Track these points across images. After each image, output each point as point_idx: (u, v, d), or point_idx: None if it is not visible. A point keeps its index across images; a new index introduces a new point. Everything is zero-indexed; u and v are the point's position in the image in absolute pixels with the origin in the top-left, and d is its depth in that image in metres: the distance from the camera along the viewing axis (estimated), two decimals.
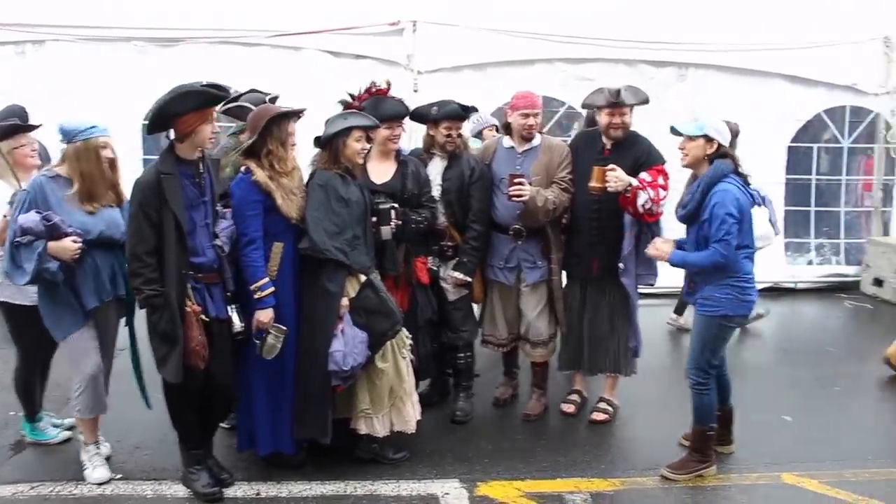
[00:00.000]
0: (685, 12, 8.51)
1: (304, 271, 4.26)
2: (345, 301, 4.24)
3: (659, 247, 4.46)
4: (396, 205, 4.62)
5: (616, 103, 4.89)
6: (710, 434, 4.53)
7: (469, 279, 5.02)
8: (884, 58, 8.94)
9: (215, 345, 4.02)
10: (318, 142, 4.39)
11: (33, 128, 4.71)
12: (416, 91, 7.70)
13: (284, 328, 4.16)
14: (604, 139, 5.00)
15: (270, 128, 4.10)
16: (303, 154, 4.49)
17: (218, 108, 4.28)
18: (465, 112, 5.03)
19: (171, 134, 3.94)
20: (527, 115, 5.00)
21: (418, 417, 4.56)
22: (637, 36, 8.35)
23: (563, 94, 8.34)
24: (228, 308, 4.13)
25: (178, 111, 3.82)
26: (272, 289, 4.13)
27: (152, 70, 7.50)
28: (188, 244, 3.91)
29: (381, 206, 4.55)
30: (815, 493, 4.40)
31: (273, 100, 4.75)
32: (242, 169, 4.15)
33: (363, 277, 4.32)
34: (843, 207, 9.42)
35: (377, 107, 4.67)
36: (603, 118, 4.98)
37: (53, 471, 4.44)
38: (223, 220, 4.14)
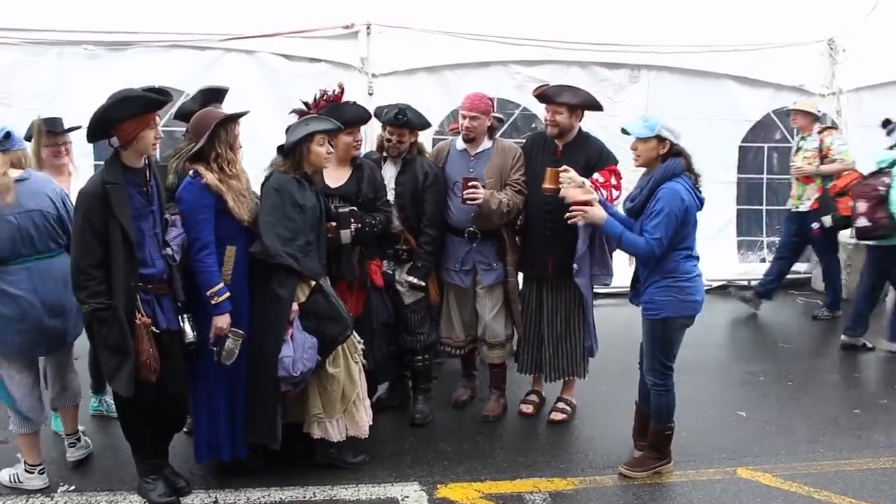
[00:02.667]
0: (638, 15, 8.61)
1: (255, 275, 4.21)
2: (294, 306, 4.21)
3: (590, 211, 4.40)
4: (355, 208, 4.60)
5: (542, 98, 4.99)
6: (669, 434, 4.59)
7: (423, 283, 5.02)
8: (829, 59, 9.14)
9: (167, 356, 3.94)
10: (282, 150, 4.34)
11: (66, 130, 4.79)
12: (370, 94, 7.67)
13: (242, 332, 4.12)
14: (556, 140, 5.04)
15: (218, 131, 4.05)
16: (248, 157, 4.43)
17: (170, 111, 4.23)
18: (404, 120, 4.89)
19: (114, 141, 3.83)
20: (464, 116, 5.04)
21: (371, 422, 4.55)
22: (590, 38, 8.42)
23: (518, 97, 8.36)
24: (180, 319, 4.06)
25: (118, 118, 3.73)
26: (228, 294, 4.07)
27: (103, 75, 7.34)
28: (137, 255, 3.82)
29: (341, 210, 4.53)
30: (768, 486, 4.48)
31: (223, 92, 4.77)
32: (191, 173, 4.06)
33: (313, 282, 4.29)
34: None
35: (336, 113, 4.62)
36: (544, 113, 5.08)
37: (1, 485, 4.33)
38: (173, 229, 4.06)
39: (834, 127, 7.83)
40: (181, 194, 4.08)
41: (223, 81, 5.28)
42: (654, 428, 4.59)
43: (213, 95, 4.77)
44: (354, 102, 4.91)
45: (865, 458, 4.84)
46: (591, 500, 4.33)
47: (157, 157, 4.89)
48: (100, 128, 3.78)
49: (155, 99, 3.84)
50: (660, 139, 4.30)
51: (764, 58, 8.89)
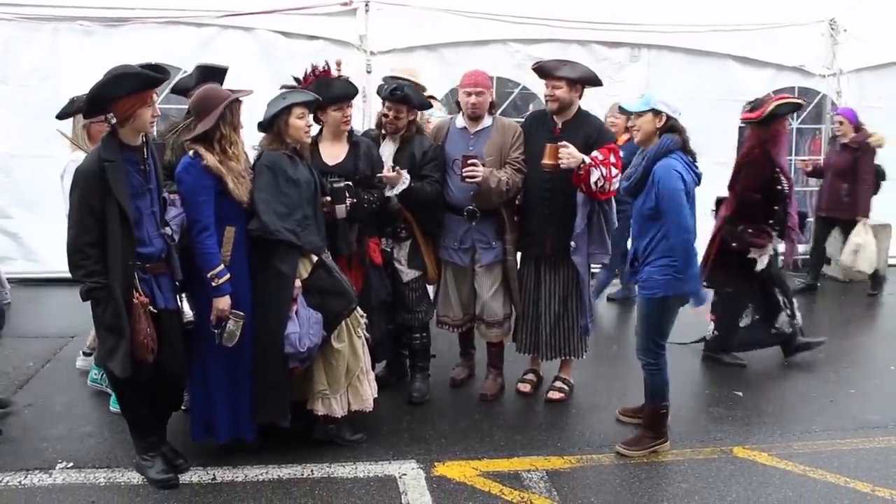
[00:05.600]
0: None
1: (256, 254, 4.20)
2: (298, 282, 4.20)
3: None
4: (350, 183, 4.58)
5: (539, 71, 4.95)
6: (664, 413, 4.60)
7: (405, 182, 4.84)
8: (829, 40, 9.10)
9: (165, 336, 3.92)
10: (262, 126, 4.31)
11: None
12: (369, 72, 7.64)
13: (242, 314, 4.10)
14: (555, 118, 5.02)
15: (225, 113, 3.99)
16: (245, 135, 4.40)
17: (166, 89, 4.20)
18: (401, 95, 4.85)
19: (111, 118, 3.80)
20: (469, 94, 4.99)
21: (375, 395, 4.56)
22: (590, 17, 8.37)
23: (517, 75, 8.32)
24: (178, 298, 4.05)
25: (115, 94, 3.67)
26: (228, 275, 4.05)
27: (98, 51, 7.29)
28: (134, 234, 3.78)
29: (336, 185, 4.51)
30: (764, 465, 4.50)
31: (223, 71, 4.72)
32: (190, 154, 4.02)
33: (315, 258, 4.28)
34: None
35: (325, 88, 4.60)
36: (543, 90, 5.06)
37: (1, 461, 4.33)
38: (172, 208, 4.02)
39: None
40: (180, 175, 4.04)
41: (220, 59, 5.24)
42: (648, 407, 4.60)
43: (211, 74, 4.72)
44: (345, 78, 4.83)
45: (860, 438, 4.87)
46: (588, 478, 4.34)
47: (154, 134, 4.87)
48: (96, 104, 3.74)
49: (152, 76, 3.77)
50: (655, 113, 4.31)
51: (765, 38, 8.86)
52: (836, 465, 4.50)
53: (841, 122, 7.91)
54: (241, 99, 4.11)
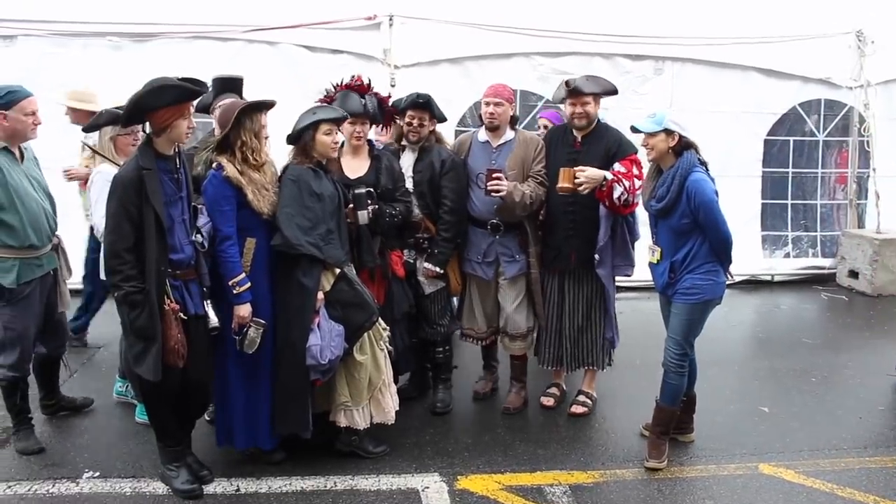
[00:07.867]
0: (662, 6, 8.55)
1: (279, 267, 4.25)
2: (320, 295, 4.24)
3: None
4: (371, 189, 4.62)
5: (574, 92, 4.93)
6: (677, 413, 4.69)
7: (440, 270, 5.03)
8: (857, 51, 9.02)
9: (192, 342, 3.98)
10: (290, 138, 4.37)
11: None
12: (393, 86, 7.68)
13: (263, 322, 4.16)
14: (574, 132, 5.02)
15: (242, 119, 4.08)
16: (276, 150, 4.46)
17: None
18: (426, 103, 4.97)
19: (148, 128, 3.89)
20: (488, 104, 5.02)
21: (397, 408, 4.57)
22: (614, 30, 8.37)
23: (540, 88, 8.33)
24: (205, 304, 4.11)
25: (154, 105, 3.78)
26: (249, 284, 4.12)
27: (126, 66, 7.41)
28: (167, 241, 3.87)
29: (357, 192, 4.55)
30: (791, 482, 4.44)
31: (239, 81, 4.79)
32: (214, 165, 4.12)
33: (337, 270, 4.32)
34: (819, 200, 9.50)
35: (342, 102, 4.67)
36: (567, 109, 5.05)
37: (29, 470, 4.39)
38: (202, 217, 4.12)
39: None
40: (205, 186, 4.13)
41: (246, 73, 5.29)
42: (667, 409, 4.62)
43: (230, 85, 4.78)
44: (363, 97, 4.81)
45: (892, 455, 4.79)
46: (611, 493, 4.31)
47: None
48: (135, 113, 3.84)
49: (191, 88, 3.87)
50: (668, 132, 4.37)
51: (790, 49, 8.80)
52: (865, 483, 4.44)
53: (545, 127, 6.70)
54: (261, 107, 4.19)
